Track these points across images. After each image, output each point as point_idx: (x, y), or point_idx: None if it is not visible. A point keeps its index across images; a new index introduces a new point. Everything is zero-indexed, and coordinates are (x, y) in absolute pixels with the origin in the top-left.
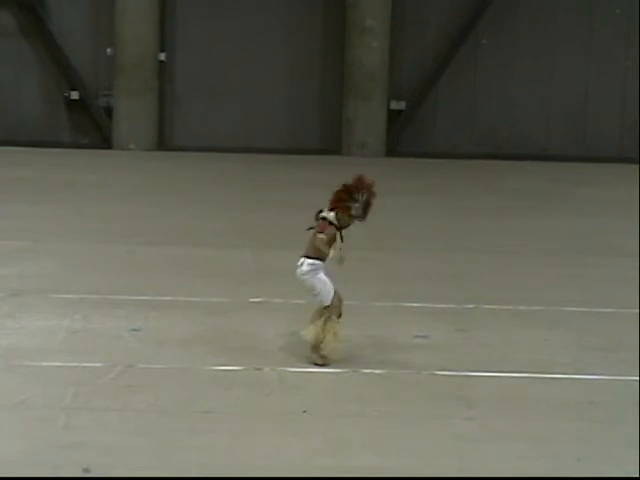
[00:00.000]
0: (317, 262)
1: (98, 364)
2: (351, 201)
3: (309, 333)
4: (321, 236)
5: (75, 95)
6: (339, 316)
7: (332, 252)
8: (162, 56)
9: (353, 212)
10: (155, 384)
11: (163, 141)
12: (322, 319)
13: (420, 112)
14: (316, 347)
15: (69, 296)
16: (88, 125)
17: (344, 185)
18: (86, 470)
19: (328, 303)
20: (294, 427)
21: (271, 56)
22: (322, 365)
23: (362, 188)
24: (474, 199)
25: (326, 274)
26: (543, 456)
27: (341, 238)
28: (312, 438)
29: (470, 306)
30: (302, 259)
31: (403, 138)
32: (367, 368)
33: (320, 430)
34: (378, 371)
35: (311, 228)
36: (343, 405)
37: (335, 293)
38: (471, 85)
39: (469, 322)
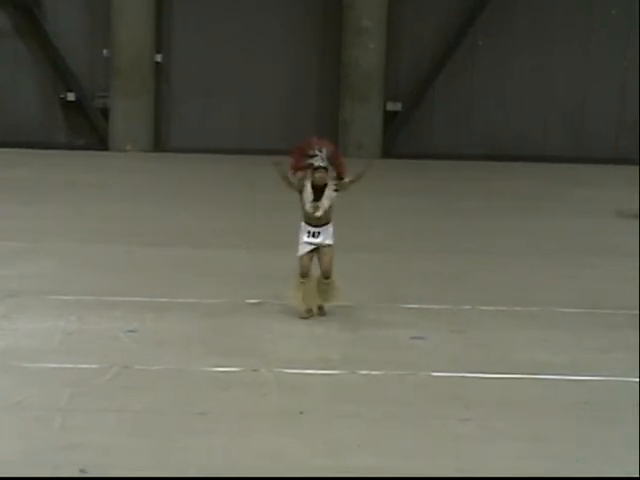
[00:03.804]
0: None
1: (94, 365)
2: (308, 158)
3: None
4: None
5: (71, 96)
6: (303, 276)
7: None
8: (158, 57)
9: (316, 163)
10: (152, 385)
11: (160, 142)
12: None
13: (417, 113)
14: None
15: (66, 297)
16: (84, 126)
17: (296, 147)
18: (82, 471)
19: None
20: (291, 428)
21: (269, 57)
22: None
23: (314, 145)
24: (471, 200)
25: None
26: (543, 456)
27: (315, 195)
28: (309, 439)
29: (467, 307)
30: None
31: (399, 139)
32: (364, 369)
33: (317, 431)
34: (375, 372)
35: None
36: (340, 406)
37: (305, 255)
38: (468, 86)
39: (466, 323)
